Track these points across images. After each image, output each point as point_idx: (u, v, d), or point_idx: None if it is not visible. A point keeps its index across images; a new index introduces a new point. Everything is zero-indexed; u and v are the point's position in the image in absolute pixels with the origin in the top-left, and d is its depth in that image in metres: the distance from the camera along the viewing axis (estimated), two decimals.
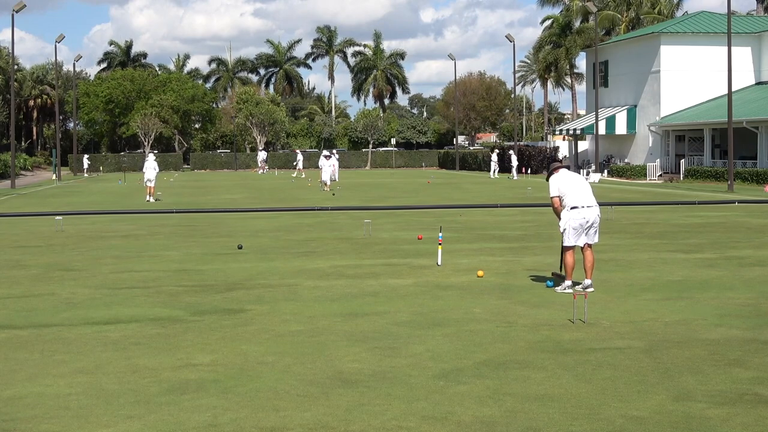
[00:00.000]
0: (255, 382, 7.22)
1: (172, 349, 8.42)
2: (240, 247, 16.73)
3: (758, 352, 8.08)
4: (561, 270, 11.82)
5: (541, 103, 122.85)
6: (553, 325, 9.33)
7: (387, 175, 68.60)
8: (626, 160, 57.89)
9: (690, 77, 54.19)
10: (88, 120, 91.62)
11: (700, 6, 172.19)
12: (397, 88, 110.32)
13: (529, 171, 62.06)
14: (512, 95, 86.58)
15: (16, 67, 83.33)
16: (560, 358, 7.89)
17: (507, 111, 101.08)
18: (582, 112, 77.15)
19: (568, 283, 11.43)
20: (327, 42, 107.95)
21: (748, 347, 8.29)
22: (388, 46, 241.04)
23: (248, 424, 6.13)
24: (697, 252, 15.79)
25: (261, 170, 76.29)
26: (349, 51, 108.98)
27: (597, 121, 54.57)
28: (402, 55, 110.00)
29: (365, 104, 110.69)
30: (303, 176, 61.06)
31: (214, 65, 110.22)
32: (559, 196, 11.40)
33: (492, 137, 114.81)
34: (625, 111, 57.69)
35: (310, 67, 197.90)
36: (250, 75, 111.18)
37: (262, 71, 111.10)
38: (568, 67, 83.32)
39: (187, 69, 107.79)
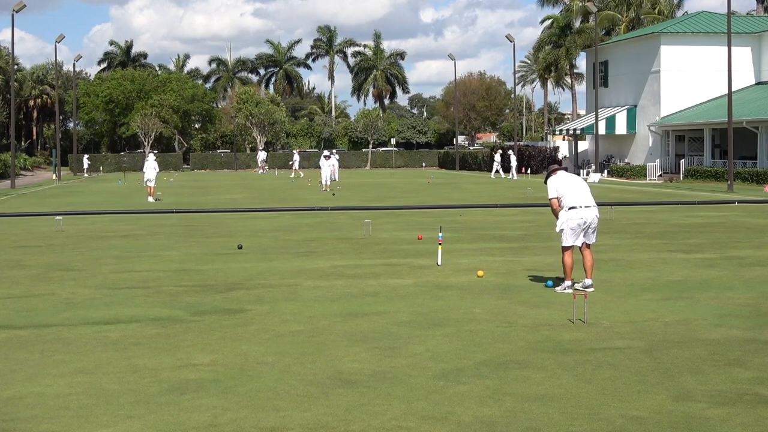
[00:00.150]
0: (255, 382, 7.22)
1: (172, 349, 8.42)
2: (240, 247, 16.73)
3: (758, 352, 8.07)
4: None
5: (541, 103, 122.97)
6: (553, 325, 9.33)
7: (387, 175, 68.61)
8: (626, 160, 57.90)
9: (690, 77, 54.19)
10: (88, 120, 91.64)
11: (700, 6, 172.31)
12: (397, 88, 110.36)
13: (529, 171, 62.07)
14: (512, 95, 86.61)
15: (16, 67, 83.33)
16: (560, 358, 7.89)
17: (507, 111, 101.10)
18: (582, 112, 77.15)
19: (567, 283, 11.43)
20: (327, 42, 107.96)
21: (748, 347, 8.29)
22: (388, 46, 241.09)
23: (248, 424, 6.13)
24: (697, 252, 15.79)
25: (261, 170, 76.29)
26: (349, 51, 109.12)
27: (597, 121, 54.57)
28: (402, 55, 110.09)
29: (365, 104, 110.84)
30: (301, 176, 61.08)
31: (214, 65, 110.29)
32: (557, 198, 11.40)
33: (492, 137, 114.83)
34: (625, 111, 57.69)
35: (310, 68, 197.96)
36: (250, 75, 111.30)
37: (262, 71, 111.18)
38: (568, 67, 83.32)
39: (187, 69, 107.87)
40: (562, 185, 11.41)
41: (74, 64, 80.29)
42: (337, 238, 18.67)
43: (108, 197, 38.62)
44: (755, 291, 11.47)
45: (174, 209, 28.42)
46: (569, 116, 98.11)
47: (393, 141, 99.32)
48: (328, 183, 41.81)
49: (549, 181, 11.53)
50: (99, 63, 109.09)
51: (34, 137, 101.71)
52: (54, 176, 63.42)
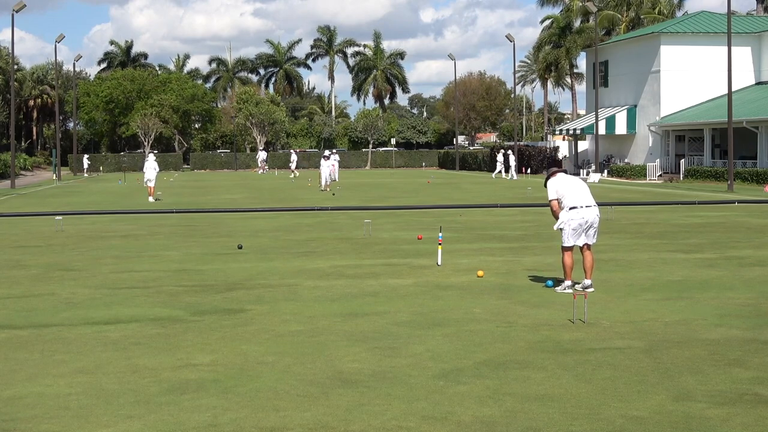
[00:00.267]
0: (255, 382, 7.22)
1: (172, 349, 8.42)
2: (240, 247, 16.73)
3: (758, 352, 8.08)
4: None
5: (541, 103, 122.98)
6: (553, 325, 9.33)
7: (387, 175, 68.61)
8: (626, 160, 57.89)
9: (690, 77, 54.18)
10: (88, 120, 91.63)
11: (700, 6, 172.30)
12: (397, 88, 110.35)
13: (529, 171, 62.07)
14: (512, 95, 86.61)
15: (16, 67, 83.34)
16: (560, 358, 7.89)
17: (507, 111, 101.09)
18: (582, 112, 77.15)
19: (567, 283, 11.44)
20: (327, 42, 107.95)
21: (748, 347, 8.29)
22: (388, 46, 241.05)
23: (248, 424, 6.13)
24: (697, 252, 15.79)
25: (261, 170, 76.30)
26: (349, 51, 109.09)
27: (597, 121, 54.57)
28: (402, 55, 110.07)
29: (364, 104, 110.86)
30: (297, 176, 61.17)
31: (214, 65, 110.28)
32: (557, 199, 11.40)
33: (492, 137, 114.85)
34: (625, 111, 57.69)
35: (310, 68, 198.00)
36: (250, 75, 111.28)
37: (262, 71, 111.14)
38: (568, 67, 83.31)
39: (187, 69, 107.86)
40: (562, 186, 11.41)
41: (74, 64, 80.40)
42: (337, 238, 18.67)
43: (108, 197, 38.62)
44: (755, 291, 11.47)
45: (174, 209, 28.42)
46: (569, 116, 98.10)
47: (393, 141, 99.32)
48: (328, 183, 41.78)
49: (549, 182, 11.53)
50: (99, 63, 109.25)
51: (34, 137, 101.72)
52: (54, 176, 63.42)
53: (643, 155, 56.24)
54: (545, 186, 11.61)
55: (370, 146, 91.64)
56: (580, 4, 74.84)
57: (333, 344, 8.56)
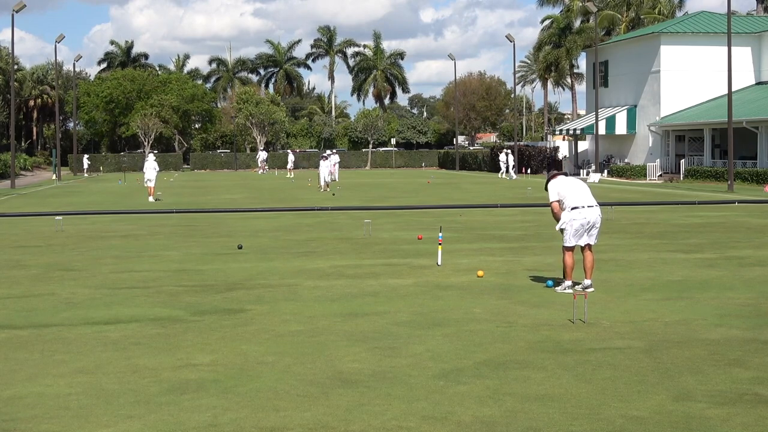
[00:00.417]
0: (255, 382, 7.22)
1: (172, 349, 8.42)
2: (240, 247, 16.73)
3: (758, 352, 8.08)
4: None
5: (541, 103, 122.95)
6: (553, 325, 9.33)
7: (387, 175, 68.61)
8: (626, 160, 57.89)
9: (690, 77, 54.18)
10: (88, 120, 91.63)
11: (700, 6, 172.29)
12: (397, 88, 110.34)
13: (528, 171, 62.08)
14: (512, 95, 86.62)
15: (16, 67, 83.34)
16: (560, 358, 7.89)
17: (507, 111, 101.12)
18: (582, 112, 77.15)
19: (568, 283, 11.44)
20: (327, 42, 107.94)
21: (748, 347, 8.29)
22: (388, 46, 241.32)
23: (248, 424, 6.13)
24: (697, 252, 15.79)
25: (261, 170, 76.31)
26: (349, 51, 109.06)
27: (597, 121, 54.57)
28: (402, 55, 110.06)
29: (364, 104, 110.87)
30: (291, 176, 61.35)
31: (214, 65, 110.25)
32: (558, 200, 11.41)
33: (492, 137, 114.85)
34: (625, 111, 57.69)
35: (309, 68, 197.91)
36: (250, 75, 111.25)
37: (262, 71, 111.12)
38: (568, 67, 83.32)
39: (187, 69, 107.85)
40: (564, 187, 11.43)
41: (74, 64, 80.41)
42: (337, 238, 18.67)
43: (108, 197, 38.62)
44: (755, 291, 11.47)
45: (174, 209, 28.42)
46: (569, 116, 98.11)
47: (393, 141, 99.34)
48: (327, 183, 41.71)
49: (549, 184, 11.55)
50: (99, 63, 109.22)
51: (34, 137, 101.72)
52: (54, 176, 63.42)
53: (643, 155, 56.24)
54: (546, 189, 11.63)
55: (370, 146, 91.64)
56: (580, 4, 74.86)
57: (333, 344, 8.56)
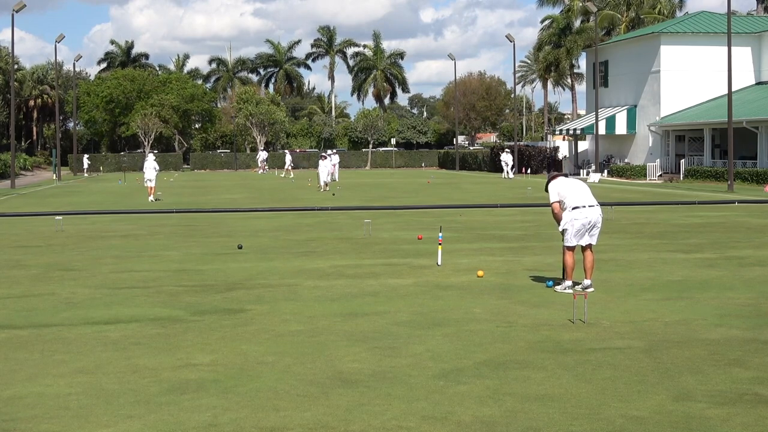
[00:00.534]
0: (255, 382, 7.22)
1: (172, 349, 8.42)
2: (240, 247, 16.73)
3: (758, 352, 8.08)
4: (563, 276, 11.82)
5: (541, 103, 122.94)
6: (553, 325, 9.33)
7: (387, 175, 68.61)
8: (626, 160, 57.89)
9: (690, 77, 54.18)
10: (88, 120, 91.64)
11: (700, 6, 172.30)
12: (397, 88, 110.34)
13: (528, 171, 62.08)
14: (512, 95, 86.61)
15: (16, 67, 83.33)
16: (560, 358, 7.89)
17: (507, 111, 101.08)
18: (582, 112, 77.15)
19: (568, 283, 11.44)
20: (327, 42, 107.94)
21: (748, 347, 8.29)
22: (388, 46, 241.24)
23: (248, 424, 6.13)
24: (697, 252, 15.79)
25: (261, 170, 76.32)
26: (349, 51, 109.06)
27: (597, 121, 54.57)
28: (402, 55, 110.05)
29: (363, 104, 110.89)
30: (286, 176, 61.44)
31: (214, 65, 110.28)
32: (559, 201, 11.42)
33: (492, 137, 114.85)
34: (625, 111, 57.68)
35: (309, 68, 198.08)
36: (250, 75, 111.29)
37: (262, 71, 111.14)
38: (568, 67, 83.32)
39: (187, 69, 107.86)
40: (564, 188, 11.44)
41: (74, 64, 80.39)
42: (337, 238, 18.67)
43: (108, 197, 38.62)
44: (755, 291, 11.47)
45: (174, 209, 28.42)
46: (569, 116, 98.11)
47: (393, 141, 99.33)
48: (327, 183, 41.65)
49: (550, 186, 11.57)
50: (99, 63, 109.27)
51: (34, 137, 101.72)
52: (54, 176, 63.42)
53: (643, 155, 56.24)
54: (546, 190, 11.64)
55: (370, 146, 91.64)
56: (580, 4, 74.86)
57: (333, 344, 8.56)
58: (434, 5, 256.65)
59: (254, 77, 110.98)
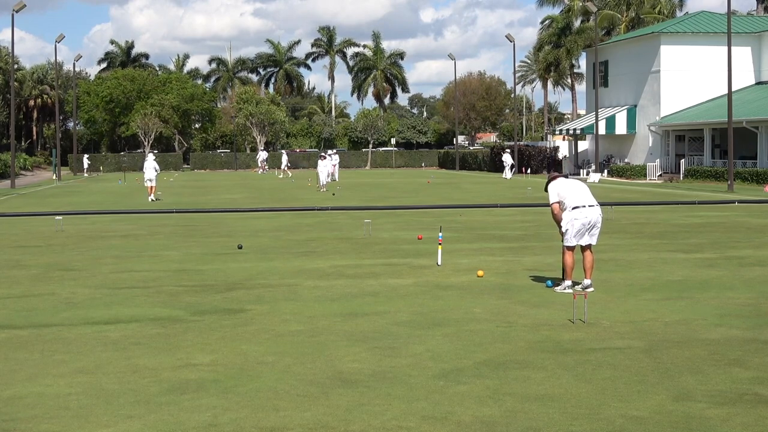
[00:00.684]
0: (255, 382, 7.22)
1: (172, 349, 8.42)
2: (240, 247, 16.73)
3: (758, 352, 8.08)
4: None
5: (541, 103, 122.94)
6: (553, 325, 9.33)
7: (387, 175, 68.61)
8: (626, 160, 57.89)
9: (690, 77, 54.18)
10: (88, 119, 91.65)
11: (700, 6, 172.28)
12: (397, 88, 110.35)
13: (528, 171, 62.07)
14: (512, 95, 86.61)
15: (16, 67, 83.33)
16: (560, 358, 7.89)
17: (507, 111, 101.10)
18: (582, 112, 77.15)
19: (567, 283, 11.44)
20: (327, 42, 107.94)
21: (748, 347, 8.29)
22: (388, 46, 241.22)
23: (248, 424, 6.13)
24: (697, 252, 15.79)
25: (261, 170, 76.33)
26: (349, 51, 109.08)
27: (597, 121, 54.57)
28: (402, 55, 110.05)
29: (363, 104, 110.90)
30: (289, 176, 61.54)
31: (214, 65, 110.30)
32: (559, 202, 11.42)
33: (492, 137, 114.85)
34: (625, 111, 57.68)
35: (309, 68, 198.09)
36: (250, 75, 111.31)
37: (262, 71, 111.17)
38: (568, 67, 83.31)
39: (187, 69, 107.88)
40: (563, 188, 11.45)
41: (74, 63, 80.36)
42: (337, 238, 18.67)
43: (108, 197, 38.62)
44: (755, 291, 11.47)
45: (174, 209, 28.42)
46: (569, 116, 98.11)
47: (393, 141, 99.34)
48: (327, 183, 41.60)
49: (549, 186, 11.57)
50: (99, 63, 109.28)
51: (34, 137, 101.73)
52: (54, 176, 63.42)
53: (643, 155, 56.24)
54: (546, 190, 11.64)
55: (370, 146, 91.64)
56: (580, 4, 74.86)
57: (333, 344, 8.56)
58: (434, 5, 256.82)
59: (254, 77, 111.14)
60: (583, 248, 11.39)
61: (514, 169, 56.99)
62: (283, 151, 77.95)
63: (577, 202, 11.32)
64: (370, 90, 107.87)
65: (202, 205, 31.01)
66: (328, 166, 43.01)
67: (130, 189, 45.74)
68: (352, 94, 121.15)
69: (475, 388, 6.95)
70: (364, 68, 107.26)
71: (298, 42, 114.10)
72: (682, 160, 51.41)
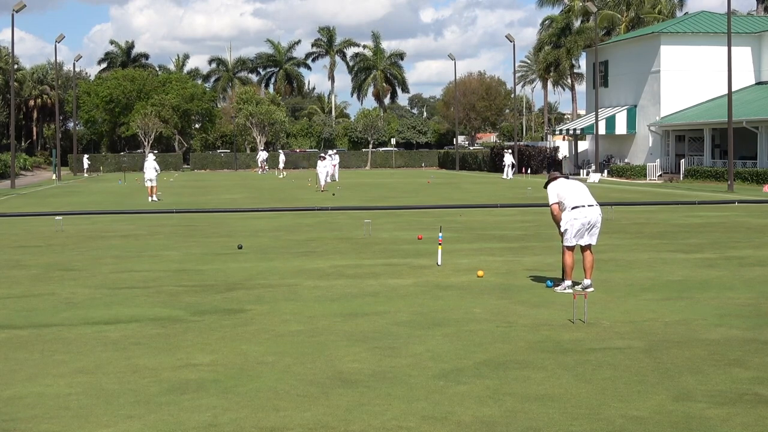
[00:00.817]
0: (255, 382, 7.22)
1: (172, 349, 8.42)
2: (240, 247, 16.73)
3: (758, 352, 8.08)
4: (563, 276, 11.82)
5: (541, 103, 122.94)
6: (553, 325, 9.33)
7: (387, 175, 68.61)
8: (626, 160, 57.89)
9: (690, 77, 54.19)
10: (88, 119, 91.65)
11: (700, 6, 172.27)
12: (397, 88, 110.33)
13: (528, 171, 62.07)
14: (512, 95, 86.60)
15: (16, 67, 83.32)
16: (560, 358, 7.89)
17: (507, 111, 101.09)
18: (582, 112, 77.15)
19: (567, 283, 11.44)
20: (327, 42, 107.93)
21: (748, 347, 8.29)
22: (388, 46, 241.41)
23: (248, 424, 6.13)
24: (697, 252, 15.79)
25: (261, 170, 76.35)
26: (349, 51, 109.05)
27: (597, 121, 54.57)
28: (401, 56, 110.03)
29: (363, 104, 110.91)
30: (284, 176, 61.73)
31: (214, 65, 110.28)
32: (558, 202, 11.43)
33: (492, 137, 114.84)
34: (625, 111, 57.69)
35: (309, 68, 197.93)
36: (250, 75, 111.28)
37: (262, 71, 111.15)
38: (568, 67, 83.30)
39: (187, 69, 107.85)
40: (563, 189, 11.46)
41: (74, 64, 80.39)
42: (337, 238, 18.67)
43: (108, 197, 38.62)
44: (755, 291, 11.47)
45: (174, 209, 28.42)
46: (569, 116, 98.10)
47: (393, 141, 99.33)
48: (323, 184, 41.49)
49: (549, 187, 11.58)
50: (99, 63, 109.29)
51: (34, 137, 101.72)
52: (54, 176, 63.42)
53: (643, 155, 56.25)
54: (545, 188, 11.65)
55: (370, 146, 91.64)
56: (580, 4, 74.85)
57: (333, 344, 8.56)
58: (434, 5, 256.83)
59: (254, 77, 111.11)
60: (583, 248, 11.39)
61: (514, 169, 56.98)
62: (281, 151, 77.98)
63: (576, 202, 11.32)
64: (370, 90, 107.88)
65: (202, 205, 31.00)
66: (327, 166, 42.98)
67: (130, 189, 45.74)
68: (352, 94, 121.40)
69: (475, 388, 6.95)
70: (364, 68, 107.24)
71: (298, 42, 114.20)
72: (682, 160, 51.41)
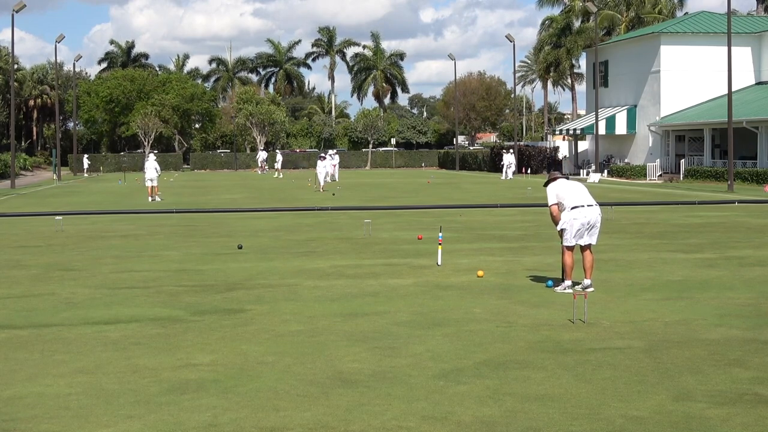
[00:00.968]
0: (255, 382, 7.22)
1: (172, 349, 8.42)
2: (240, 247, 16.73)
3: (758, 352, 8.08)
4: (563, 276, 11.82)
5: (541, 103, 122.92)
6: (553, 325, 9.33)
7: (387, 175, 68.61)
8: (626, 160, 57.89)
9: (690, 77, 54.19)
10: (88, 119, 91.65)
11: (700, 6, 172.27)
12: (397, 88, 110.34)
13: (528, 171, 62.07)
14: (512, 95, 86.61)
15: (16, 67, 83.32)
16: (560, 358, 7.89)
17: (507, 111, 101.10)
18: (582, 112, 77.15)
19: (567, 283, 11.44)
20: (327, 42, 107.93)
21: (748, 347, 8.29)
22: (388, 46, 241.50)
23: (248, 424, 6.13)
24: (697, 252, 15.79)
25: (261, 170, 76.35)
26: (349, 51, 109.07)
27: (597, 121, 54.57)
28: (401, 56, 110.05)
29: (362, 104, 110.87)
30: (281, 176, 61.86)
31: (214, 65, 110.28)
32: (557, 203, 11.43)
33: (492, 137, 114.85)
34: (625, 111, 57.69)
35: (310, 67, 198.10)
36: (250, 75, 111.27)
37: (262, 71, 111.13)
38: (568, 67, 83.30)
39: (187, 69, 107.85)
40: (562, 189, 11.47)
41: (74, 64, 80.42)
42: (337, 238, 18.67)
43: (108, 197, 38.62)
44: (755, 291, 11.47)
45: (174, 209, 28.42)
46: (569, 116, 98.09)
47: (393, 141, 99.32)
48: (323, 184, 41.51)
49: (548, 188, 11.58)
50: (99, 63, 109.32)
51: (34, 137, 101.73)
52: (54, 176, 63.43)
53: (643, 155, 56.24)
54: (545, 186, 11.65)
55: (370, 146, 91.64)
56: (580, 4, 74.84)
57: (333, 344, 8.56)
58: (434, 5, 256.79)
59: (254, 77, 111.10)
60: (583, 248, 11.40)
61: (512, 168, 56.92)
62: (278, 151, 78.02)
63: (576, 202, 11.33)
64: (370, 90, 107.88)
65: (202, 205, 31.01)
66: (327, 166, 42.96)
67: (130, 189, 45.74)
68: (352, 94, 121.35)
69: (475, 388, 6.95)
70: (364, 68, 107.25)
71: (298, 42, 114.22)
72: (682, 160, 51.41)
